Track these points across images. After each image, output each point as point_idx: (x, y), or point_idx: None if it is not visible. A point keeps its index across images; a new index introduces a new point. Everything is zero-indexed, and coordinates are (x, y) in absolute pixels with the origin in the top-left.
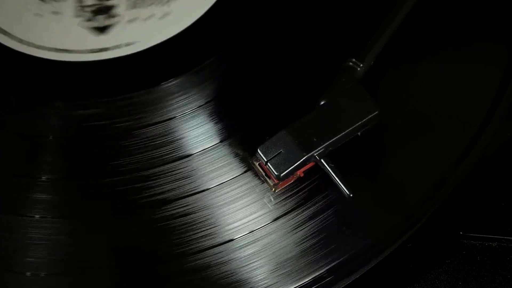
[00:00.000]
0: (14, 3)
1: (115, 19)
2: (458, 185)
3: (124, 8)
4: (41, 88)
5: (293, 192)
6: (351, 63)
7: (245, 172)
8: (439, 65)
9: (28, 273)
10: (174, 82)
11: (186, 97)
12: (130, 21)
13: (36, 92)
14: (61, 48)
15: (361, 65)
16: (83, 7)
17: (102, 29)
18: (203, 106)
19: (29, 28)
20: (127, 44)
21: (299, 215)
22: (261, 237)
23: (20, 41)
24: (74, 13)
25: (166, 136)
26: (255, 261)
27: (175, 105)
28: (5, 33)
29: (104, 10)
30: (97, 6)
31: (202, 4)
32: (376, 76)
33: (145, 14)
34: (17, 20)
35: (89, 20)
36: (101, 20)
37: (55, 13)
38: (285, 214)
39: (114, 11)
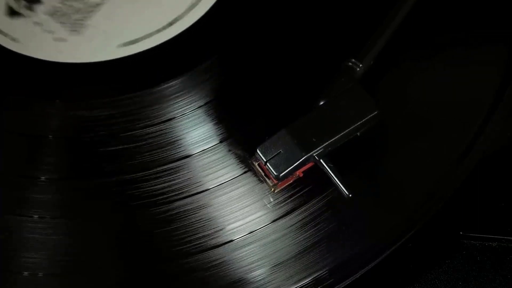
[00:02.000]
0: None
1: None
2: (458, 185)
3: None
4: (41, 88)
5: (293, 192)
6: (350, 63)
7: (245, 172)
8: (439, 65)
9: (25, 273)
10: (174, 82)
11: (186, 97)
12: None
13: (36, 92)
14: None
15: (361, 65)
16: None
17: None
18: (203, 106)
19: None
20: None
21: (299, 216)
22: (261, 237)
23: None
24: None
25: (166, 136)
26: (255, 261)
27: (175, 105)
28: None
29: None
30: None
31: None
32: (376, 76)
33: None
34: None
35: None
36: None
37: None
38: (285, 214)
39: None
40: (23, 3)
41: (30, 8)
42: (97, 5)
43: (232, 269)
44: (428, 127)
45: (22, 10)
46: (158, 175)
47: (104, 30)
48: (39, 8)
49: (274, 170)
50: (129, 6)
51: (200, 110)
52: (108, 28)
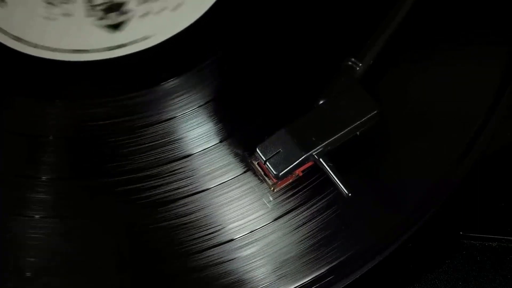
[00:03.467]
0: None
1: (128, 15)
2: (458, 185)
3: (135, 3)
4: (40, 88)
5: (293, 192)
6: (350, 63)
7: (245, 172)
8: (439, 64)
9: (28, 273)
10: (174, 82)
11: (186, 97)
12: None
13: (36, 92)
14: (73, 48)
15: (360, 64)
16: (93, 6)
17: (116, 26)
18: (203, 106)
19: (35, 30)
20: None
21: (299, 215)
22: (261, 237)
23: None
24: (85, 13)
25: (166, 136)
26: (255, 261)
27: (175, 105)
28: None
29: (115, 7)
30: (107, 4)
31: (201, 4)
32: (375, 75)
33: (157, 7)
34: (29, 26)
35: (101, 18)
36: (113, 18)
37: (66, 15)
38: (285, 214)
39: (125, 7)
40: None
41: None
42: None
43: (232, 269)
44: (428, 127)
45: None
46: (158, 174)
47: None
48: None
49: (273, 169)
50: None
51: (200, 110)
52: None
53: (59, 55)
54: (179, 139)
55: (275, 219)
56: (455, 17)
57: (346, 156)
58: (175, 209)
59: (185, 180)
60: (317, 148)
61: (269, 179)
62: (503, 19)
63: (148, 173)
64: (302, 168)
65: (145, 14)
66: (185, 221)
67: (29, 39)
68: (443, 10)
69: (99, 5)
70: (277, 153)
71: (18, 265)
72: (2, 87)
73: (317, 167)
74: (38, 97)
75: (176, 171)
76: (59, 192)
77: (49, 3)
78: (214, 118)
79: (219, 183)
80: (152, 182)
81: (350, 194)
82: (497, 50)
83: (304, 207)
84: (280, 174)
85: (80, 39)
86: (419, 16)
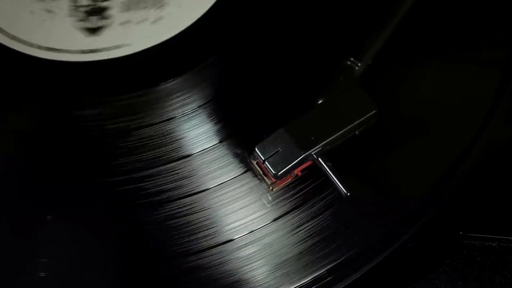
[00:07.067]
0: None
1: (108, 21)
2: (458, 185)
3: (118, 10)
4: (41, 88)
5: (293, 192)
6: (349, 62)
7: (244, 172)
8: (438, 64)
9: (27, 271)
10: (173, 82)
11: (185, 97)
12: (123, 23)
13: (36, 92)
14: (52, 47)
15: (359, 64)
16: (77, 7)
17: (94, 30)
18: (203, 106)
19: (25, 27)
20: (117, 47)
21: (299, 215)
22: (261, 237)
23: (17, 39)
24: (67, 12)
25: (166, 136)
26: (255, 261)
27: (175, 105)
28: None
29: (98, 11)
30: (91, 7)
31: (201, 4)
32: (374, 75)
33: (138, 17)
34: (13, 18)
35: (82, 20)
36: (94, 21)
37: (49, 11)
38: (285, 214)
39: (107, 12)
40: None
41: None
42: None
43: (232, 269)
44: (428, 127)
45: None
46: (158, 174)
47: None
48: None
49: (272, 168)
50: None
51: (200, 110)
52: None
53: (43, 52)
54: (179, 139)
55: (275, 219)
56: (454, 17)
57: (345, 156)
58: (174, 209)
59: (185, 180)
60: (316, 147)
61: (268, 179)
62: (502, 20)
63: (148, 173)
64: (301, 168)
65: (125, 22)
66: (185, 221)
67: (11, 32)
68: (442, 10)
69: (83, 6)
70: (276, 152)
71: (17, 264)
72: (1, 87)
73: (316, 167)
74: (38, 97)
75: (176, 171)
76: (59, 192)
77: None
78: (213, 118)
79: (218, 183)
80: (152, 182)
81: (348, 194)
82: (497, 50)
83: (304, 207)
84: (279, 173)
85: (55, 37)
86: (418, 16)
